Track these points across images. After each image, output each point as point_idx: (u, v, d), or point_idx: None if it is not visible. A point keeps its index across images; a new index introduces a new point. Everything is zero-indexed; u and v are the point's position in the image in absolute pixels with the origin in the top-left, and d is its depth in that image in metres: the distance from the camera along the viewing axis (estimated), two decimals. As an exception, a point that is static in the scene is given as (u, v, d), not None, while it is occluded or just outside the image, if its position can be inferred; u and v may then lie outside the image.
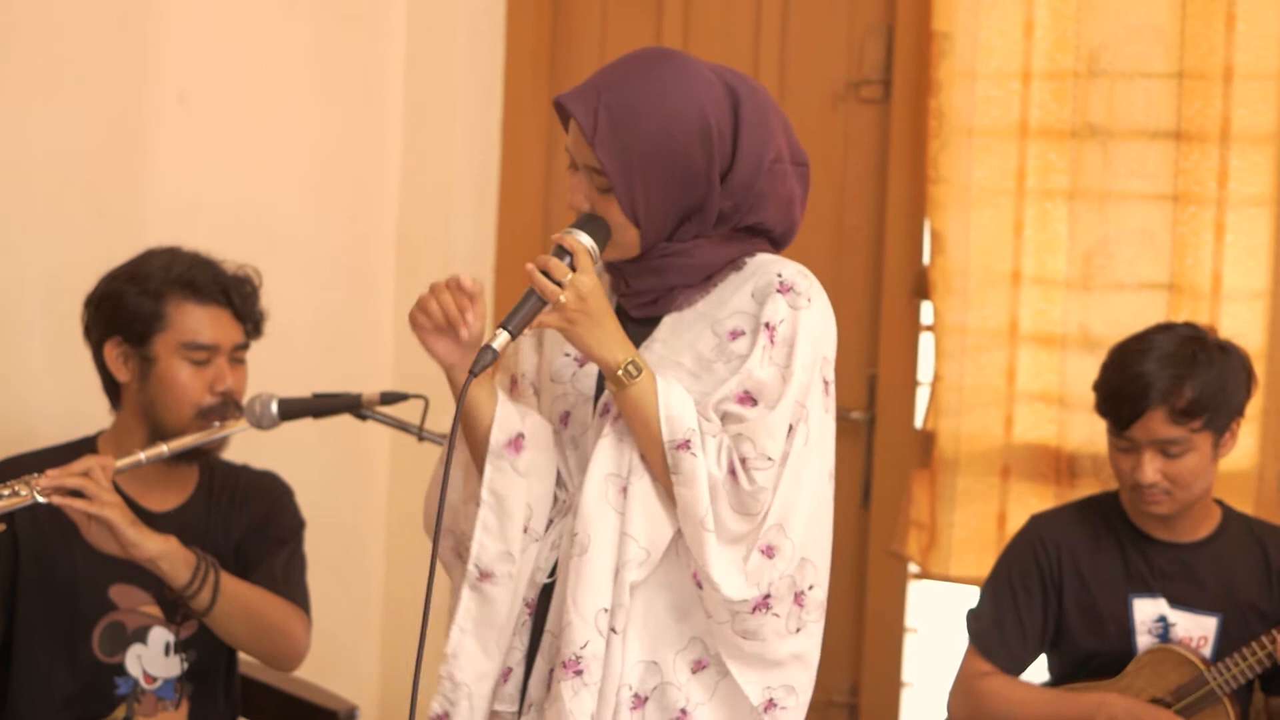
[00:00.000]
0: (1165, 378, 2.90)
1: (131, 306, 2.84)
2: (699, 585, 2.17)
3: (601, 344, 2.16)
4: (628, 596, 2.16)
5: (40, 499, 2.59)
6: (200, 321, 2.85)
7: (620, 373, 2.15)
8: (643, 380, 2.15)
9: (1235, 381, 2.97)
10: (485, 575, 2.23)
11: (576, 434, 2.27)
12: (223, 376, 2.86)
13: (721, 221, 2.24)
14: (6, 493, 2.57)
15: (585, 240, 2.18)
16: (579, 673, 2.15)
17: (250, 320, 2.93)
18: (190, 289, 2.85)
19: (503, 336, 2.13)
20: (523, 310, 2.14)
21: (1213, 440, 2.95)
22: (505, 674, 2.24)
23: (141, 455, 2.72)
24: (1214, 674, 2.95)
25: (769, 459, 2.15)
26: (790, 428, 2.17)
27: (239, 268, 2.94)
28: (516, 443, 2.24)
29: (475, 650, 2.25)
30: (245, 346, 2.93)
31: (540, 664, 2.23)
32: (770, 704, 2.21)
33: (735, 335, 2.22)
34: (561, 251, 2.16)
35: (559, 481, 2.28)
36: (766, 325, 2.19)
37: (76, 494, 2.60)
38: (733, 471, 2.15)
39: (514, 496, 2.24)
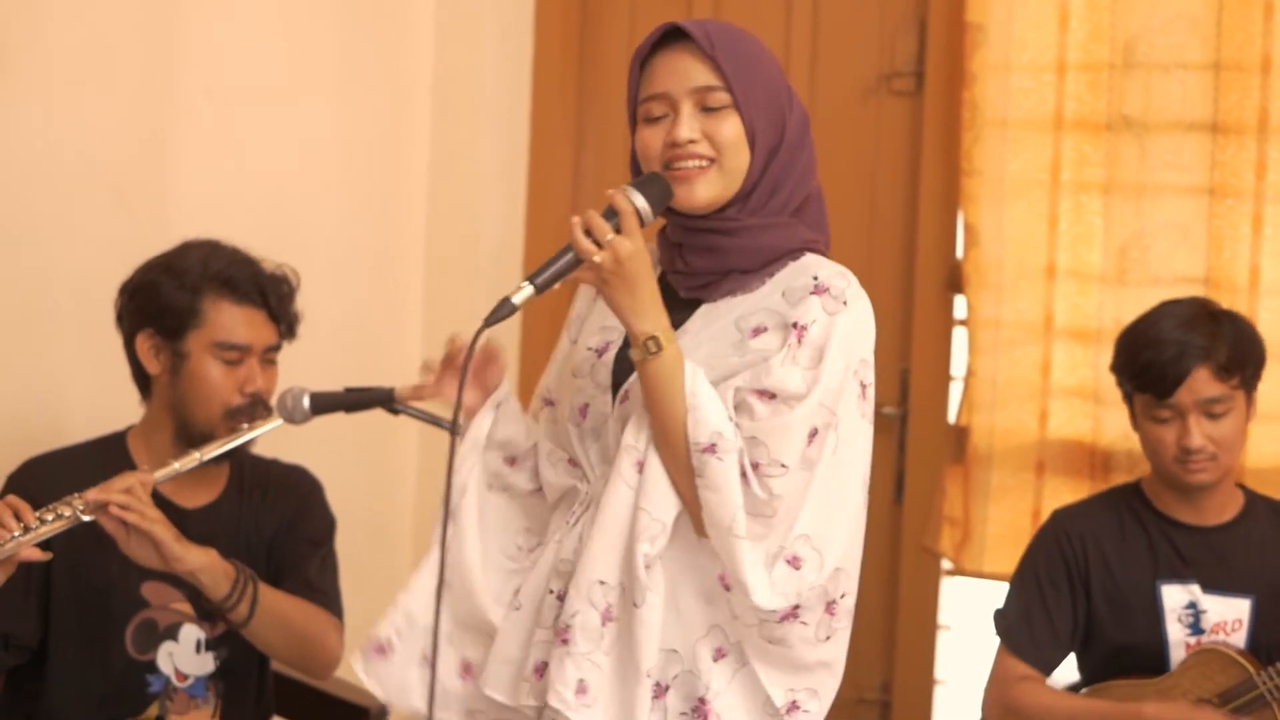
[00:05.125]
0: (1200, 335, 2.91)
1: (167, 300, 2.82)
2: (727, 588, 2.14)
3: (632, 310, 2.12)
4: (643, 571, 2.13)
5: (84, 518, 2.59)
6: (235, 321, 2.83)
7: (645, 341, 2.12)
8: (667, 358, 2.12)
9: (1257, 340, 2.99)
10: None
11: (596, 425, 2.25)
12: (253, 377, 2.84)
13: (783, 199, 2.23)
14: (50, 516, 2.57)
15: (638, 201, 2.14)
16: (565, 641, 2.14)
17: (285, 322, 2.90)
18: (228, 287, 2.83)
19: (526, 290, 2.09)
20: (555, 266, 2.11)
21: (1245, 399, 2.96)
22: (539, 668, 2.19)
23: (176, 465, 2.71)
24: (1264, 678, 2.89)
25: (782, 465, 2.11)
26: (815, 432, 2.13)
27: (277, 267, 2.91)
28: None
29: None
30: (277, 348, 2.91)
31: None
32: (793, 706, 2.19)
33: (757, 332, 2.19)
34: (611, 212, 2.12)
35: (581, 475, 2.26)
36: (796, 325, 2.15)
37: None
38: (744, 475, 2.11)
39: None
